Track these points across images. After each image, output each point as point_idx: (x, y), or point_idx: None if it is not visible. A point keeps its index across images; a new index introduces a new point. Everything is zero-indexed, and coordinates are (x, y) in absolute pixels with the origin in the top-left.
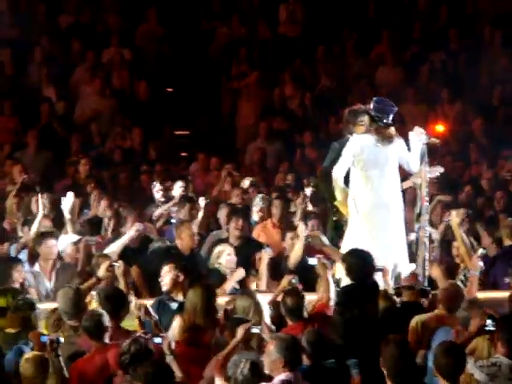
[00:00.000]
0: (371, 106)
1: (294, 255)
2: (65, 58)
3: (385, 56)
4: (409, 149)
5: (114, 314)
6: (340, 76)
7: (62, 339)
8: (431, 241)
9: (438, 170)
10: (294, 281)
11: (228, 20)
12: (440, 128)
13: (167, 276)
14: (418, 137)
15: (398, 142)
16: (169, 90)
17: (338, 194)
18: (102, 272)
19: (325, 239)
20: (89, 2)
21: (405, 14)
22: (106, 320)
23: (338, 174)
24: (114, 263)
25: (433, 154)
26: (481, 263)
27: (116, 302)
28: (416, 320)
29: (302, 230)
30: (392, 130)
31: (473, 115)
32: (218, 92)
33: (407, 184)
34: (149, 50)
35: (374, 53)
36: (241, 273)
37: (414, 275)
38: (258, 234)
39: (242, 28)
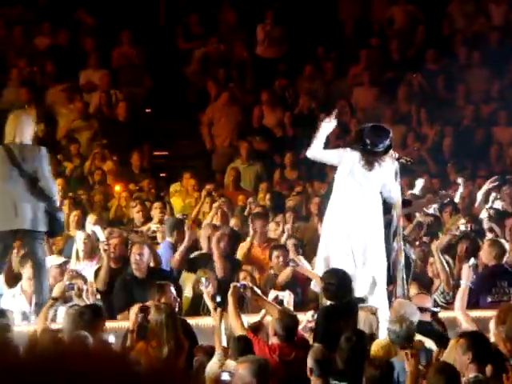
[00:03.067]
0: (366, 129)
1: (283, 276)
2: (42, 79)
3: (362, 76)
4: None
5: (90, 329)
6: (319, 96)
7: None
8: (410, 261)
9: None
10: (281, 297)
11: (206, 40)
12: None
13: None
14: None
15: (388, 168)
16: (147, 110)
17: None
18: (56, 292)
19: (306, 263)
20: (64, 24)
21: (382, 35)
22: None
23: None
24: (70, 284)
25: (410, 174)
26: (471, 273)
27: (91, 317)
28: (376, 345)
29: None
30: (386, 156)
31: (449, 135)
32: (196, 112)
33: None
34: (125, 71)
35: (351, 73)
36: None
37: (423, 296)
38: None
39: (220, 48)
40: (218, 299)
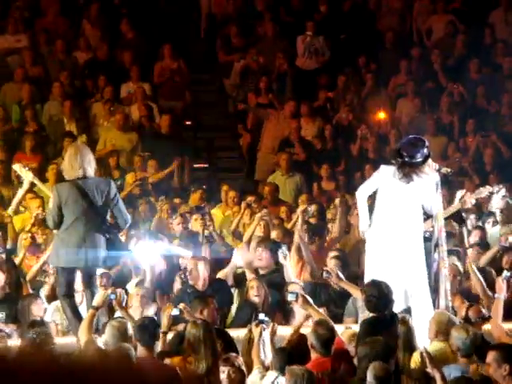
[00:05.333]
0: (401, 143)
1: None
2: (83, 92)
3: (405, 87)
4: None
5: (148, 343)
6: (359, 107)
7: None
8: (458, 272)
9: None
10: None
11: (245, 52)
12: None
13: None
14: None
15: (428, 180)
16: (187, 123)
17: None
18: (97, 301)
19: (341, 274)
20: (105, 37)
21: (422, 45)
22: (133, 354)
23: (359, 193)
24: (112, 294)
25: (451, 185)
26: (504, 286)
27: (150, 332)
28: (417, 355)
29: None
30: (425, 166)
31: (491, 145)
32: (236, 124)
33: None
34: (166, 84)
35: (392, 84)
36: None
37: (476, 308)
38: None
39: (260, 60)
40: (261, 317)
